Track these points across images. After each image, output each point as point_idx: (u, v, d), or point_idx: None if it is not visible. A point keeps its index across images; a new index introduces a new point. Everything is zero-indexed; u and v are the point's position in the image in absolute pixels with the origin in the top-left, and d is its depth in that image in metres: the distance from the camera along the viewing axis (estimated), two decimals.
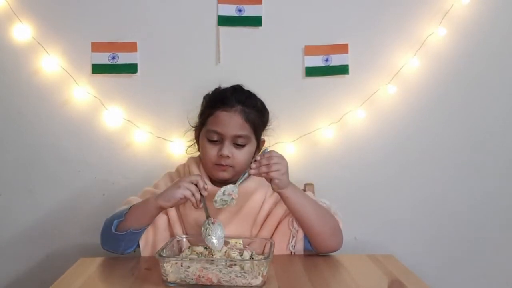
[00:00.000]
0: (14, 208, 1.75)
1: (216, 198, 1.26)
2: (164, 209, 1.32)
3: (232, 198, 1.27)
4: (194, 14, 1.73)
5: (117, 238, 1.31)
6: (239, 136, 1.36)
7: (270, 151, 1.28)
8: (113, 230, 1.30)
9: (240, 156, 1.37)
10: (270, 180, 1.26)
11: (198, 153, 1.48)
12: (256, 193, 1.39)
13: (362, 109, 1.75)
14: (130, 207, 1.33)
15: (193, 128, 1.49)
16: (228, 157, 1.35)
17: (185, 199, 1.27)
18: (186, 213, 1.38)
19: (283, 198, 1.31)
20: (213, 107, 1.39)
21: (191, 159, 1.47)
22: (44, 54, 1.71)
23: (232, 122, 1.36)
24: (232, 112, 1.36)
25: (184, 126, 1.53)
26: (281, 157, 1.28)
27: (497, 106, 1.79)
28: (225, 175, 1.37)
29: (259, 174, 1.25)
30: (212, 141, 1.37)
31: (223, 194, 1.26)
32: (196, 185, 1.28)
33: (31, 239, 1.75)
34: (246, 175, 1.28)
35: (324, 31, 1.75)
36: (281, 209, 1.39)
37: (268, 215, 1.40)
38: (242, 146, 1.37)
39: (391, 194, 1.78)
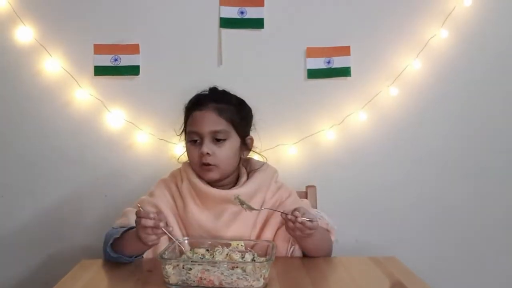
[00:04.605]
0: (16, 209, 1.75)
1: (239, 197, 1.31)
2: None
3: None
4: (196, 16, 1.74)
5: (119, 258, 1.30)
6: (216, 131, 1.38)
7: (313, 222, 1.26)
8: (112, 255, 1.29)
9: (221, 153, 1.38)
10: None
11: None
12: (255, 196, 1.39)
13: (364, 111, 1.75)
14: (123, 232, 1.29)
15: (179, 136, 1.50)
16: (208, 154, 1.36)
17: (158, 238, 1.24)
18: (187, 216, 1.38)
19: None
20: (189, 110, 1.43)
21: (186, 164, 1.47)
22: (46, 56, 1.71)
23: (206, 119, 1.38)
24: (205, 110, 1.39)
25: None
26: (315, 226, 1.26)
27: (499, 108, 1.79)
28: (212, 175, 1.39)
29: (294, 235, 1.29)
30: (193, 142, 1.40)
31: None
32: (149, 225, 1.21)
33: (33, 241, 1.75)
34: (259, 211, 1.33)
35: (326, 33, 1.75)
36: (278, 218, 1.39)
37: (268, 217, 1.41)
38: (222, 141, 1.38)
39: (392, 196, 1.78)
